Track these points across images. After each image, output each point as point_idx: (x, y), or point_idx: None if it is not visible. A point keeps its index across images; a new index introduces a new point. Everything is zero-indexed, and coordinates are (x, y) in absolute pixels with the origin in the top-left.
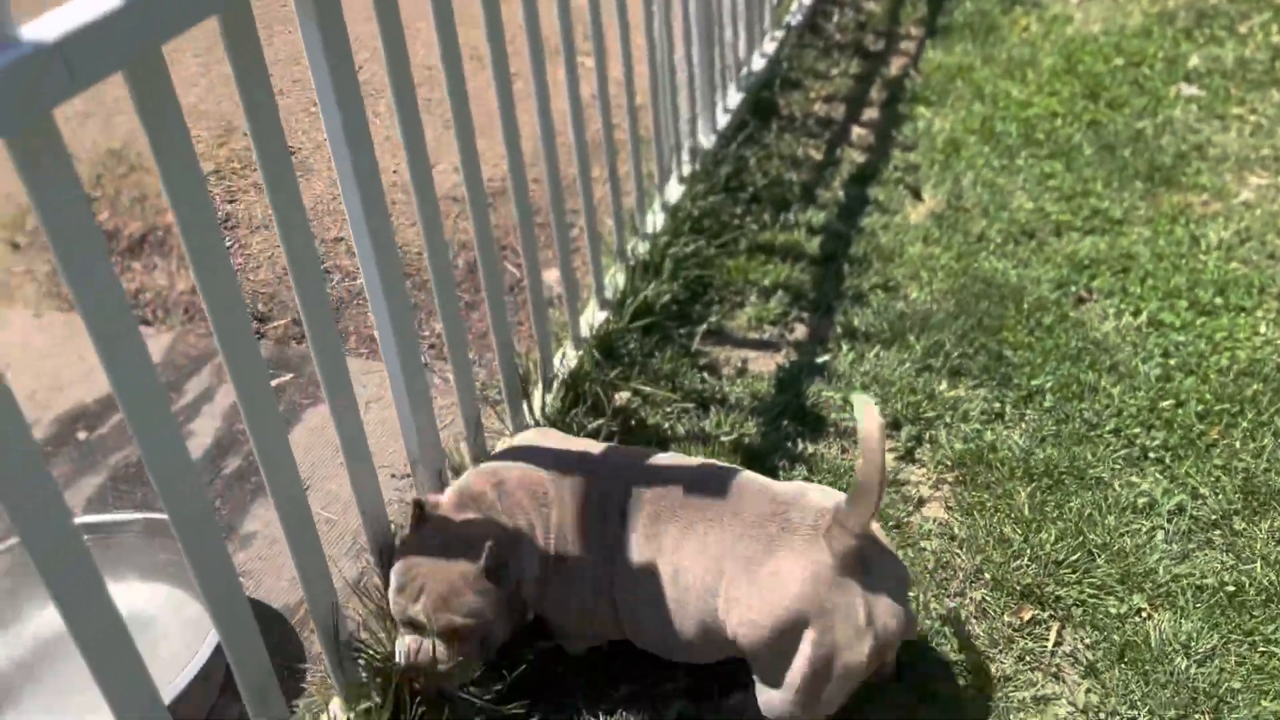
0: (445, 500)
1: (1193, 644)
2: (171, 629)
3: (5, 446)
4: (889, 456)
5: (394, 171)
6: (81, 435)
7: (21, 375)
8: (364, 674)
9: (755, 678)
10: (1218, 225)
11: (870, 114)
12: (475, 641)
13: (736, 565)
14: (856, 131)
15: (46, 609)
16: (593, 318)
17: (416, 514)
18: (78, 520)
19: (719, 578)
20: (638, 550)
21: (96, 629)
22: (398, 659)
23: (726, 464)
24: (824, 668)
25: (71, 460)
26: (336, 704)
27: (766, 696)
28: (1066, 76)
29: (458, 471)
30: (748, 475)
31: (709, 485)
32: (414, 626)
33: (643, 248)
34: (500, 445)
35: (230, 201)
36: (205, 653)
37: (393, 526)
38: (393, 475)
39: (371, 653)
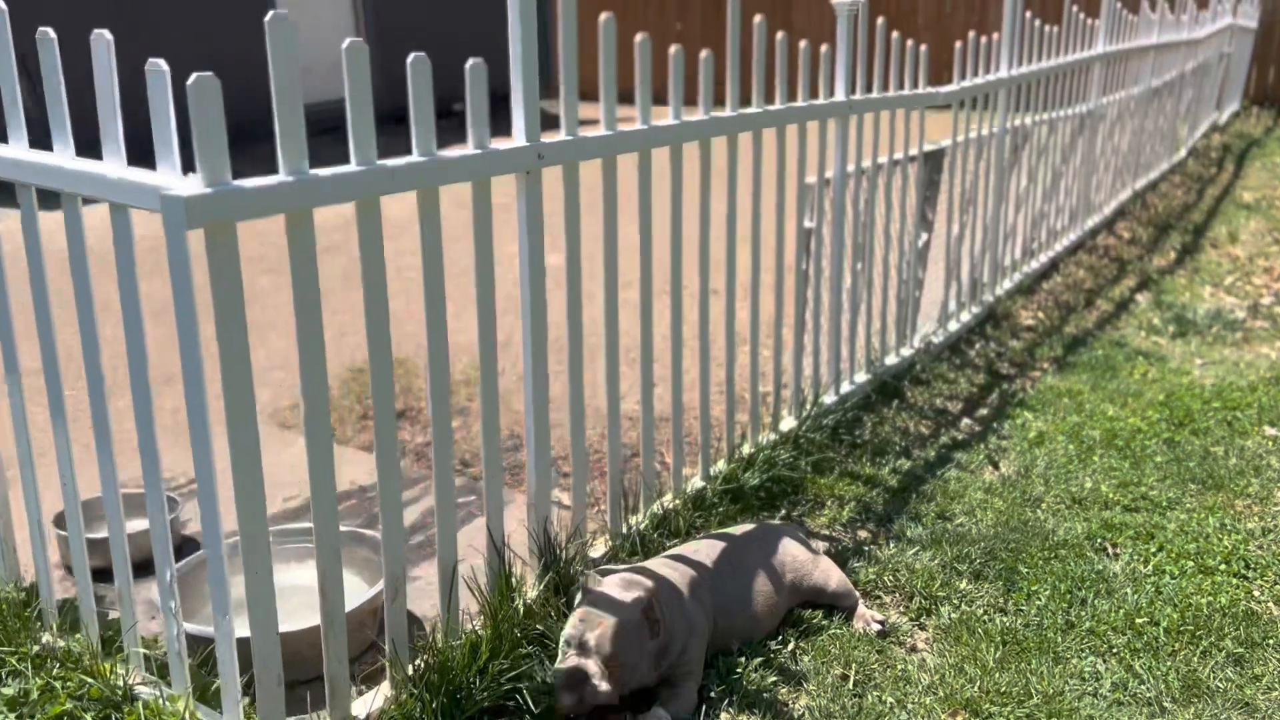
0: (606, 584)
1: None
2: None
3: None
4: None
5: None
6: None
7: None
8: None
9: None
10: (1249, 520)
11: (981, 413)
12: (621, 673)
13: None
14: (965, 422)
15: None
16: (692, 485)
17: (586, 585)
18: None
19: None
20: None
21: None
22: (557, 670)
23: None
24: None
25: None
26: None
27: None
28: (1162, 407)
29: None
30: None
31: (738, 541)
32: (581, 648)
33: (748, 450)
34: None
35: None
36: (370, 593)
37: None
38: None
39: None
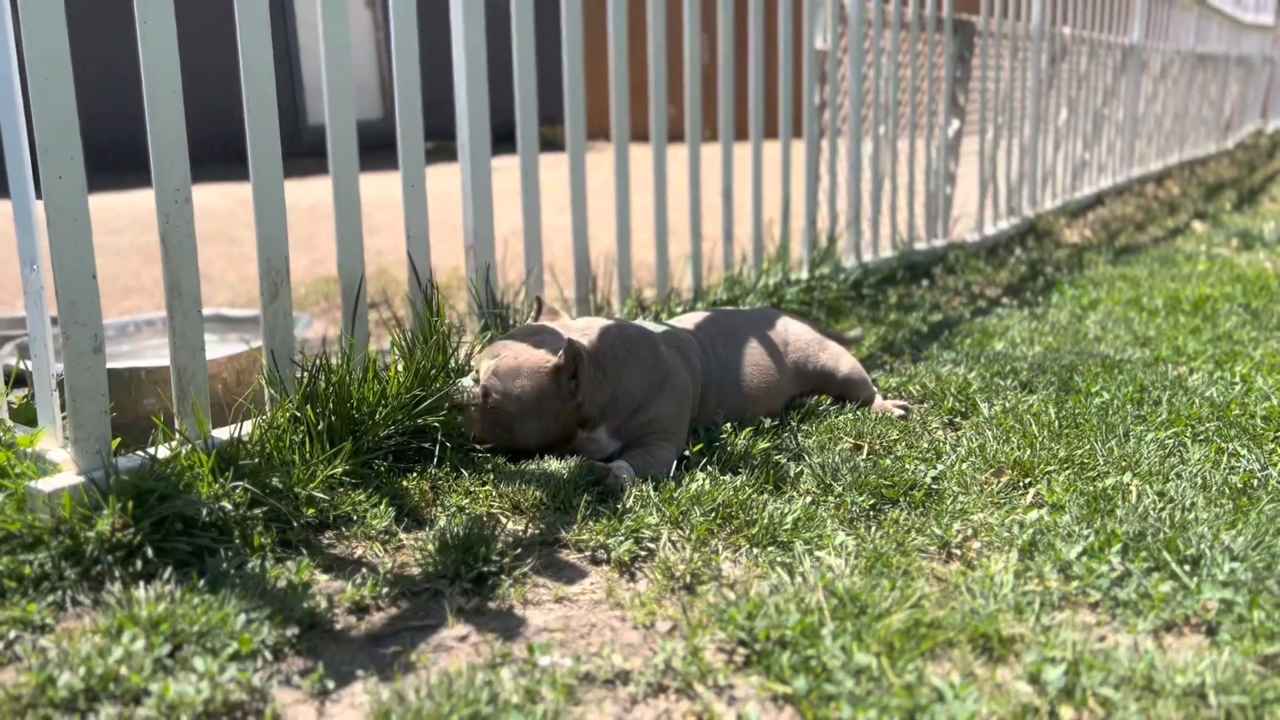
0: (561, 319)
1: (1174, 501)
2: None
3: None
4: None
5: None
6: None
7: None
8: None
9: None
10: None
11: (1025, 295)
12: (502, 417)
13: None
14: (1004, 300)
15: None
16: (680, 296)
17: (537, 306)
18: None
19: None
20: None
21: None
22: (458, 388)
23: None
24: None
25: None
26: None
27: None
28: (1235, 283)
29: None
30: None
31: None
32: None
33: (748, 280)
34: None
35: None
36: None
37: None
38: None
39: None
